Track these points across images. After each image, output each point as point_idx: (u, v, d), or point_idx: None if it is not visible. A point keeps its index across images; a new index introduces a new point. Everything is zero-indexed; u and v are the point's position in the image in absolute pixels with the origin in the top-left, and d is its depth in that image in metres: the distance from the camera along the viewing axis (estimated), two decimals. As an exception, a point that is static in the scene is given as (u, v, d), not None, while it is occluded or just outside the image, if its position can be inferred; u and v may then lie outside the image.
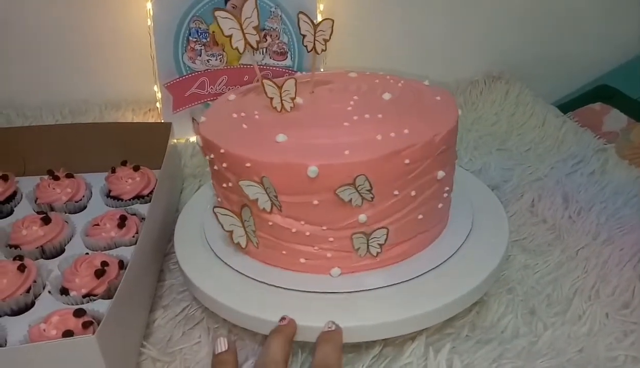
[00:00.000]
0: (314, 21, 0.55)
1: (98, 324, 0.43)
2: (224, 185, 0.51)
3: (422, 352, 0.48)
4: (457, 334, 0.51)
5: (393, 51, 1.00)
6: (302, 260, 0.50)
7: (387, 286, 0.48)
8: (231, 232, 0.49)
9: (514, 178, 0.74)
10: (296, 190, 0.46)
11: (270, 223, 0.49)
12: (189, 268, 0.53)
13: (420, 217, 0.50)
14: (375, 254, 0.49)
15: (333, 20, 0.56)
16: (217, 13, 0.50)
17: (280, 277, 0.50)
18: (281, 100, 0.53)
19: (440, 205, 0.52)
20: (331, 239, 0.48)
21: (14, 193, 0.69)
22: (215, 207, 0.49)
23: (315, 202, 0.46)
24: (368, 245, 0.48)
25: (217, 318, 0.53)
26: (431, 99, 0.55)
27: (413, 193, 0.48)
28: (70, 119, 0.92)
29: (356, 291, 0.48)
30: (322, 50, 0.56)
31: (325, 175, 0.45)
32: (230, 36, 0.51)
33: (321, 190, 0.46)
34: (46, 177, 0.68)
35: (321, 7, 0.88)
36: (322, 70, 0.89)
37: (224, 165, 0.49)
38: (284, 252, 0.50)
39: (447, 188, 0.52)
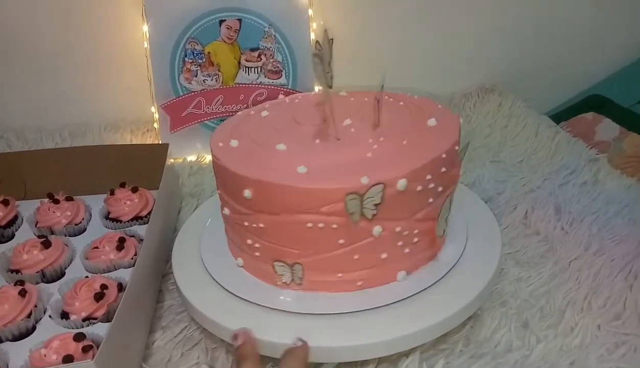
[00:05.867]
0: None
1: (98, 348, 0.43)
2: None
3: (416, 367, 0.49)
4: (451, 350, 0.51)
5: (387, 65, 1.01)
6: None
7: (381, 306, 0.49)
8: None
9: (507, 190, 0.75)
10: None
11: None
12: (187, 289, 0.54)
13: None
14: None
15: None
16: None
17: (276, 298, 0.51)
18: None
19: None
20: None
21: (15, 218, 0.70)
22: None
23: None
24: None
25: (216, 339, 0.54)
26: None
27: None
28: (69, 141, 0.93)
29: (351, 312, 0.49)
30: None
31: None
32: None
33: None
34: (46, 200, 0.70)
35: (314, 25, 0.89)
36: (317, 89, 0.90)
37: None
38: None
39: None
